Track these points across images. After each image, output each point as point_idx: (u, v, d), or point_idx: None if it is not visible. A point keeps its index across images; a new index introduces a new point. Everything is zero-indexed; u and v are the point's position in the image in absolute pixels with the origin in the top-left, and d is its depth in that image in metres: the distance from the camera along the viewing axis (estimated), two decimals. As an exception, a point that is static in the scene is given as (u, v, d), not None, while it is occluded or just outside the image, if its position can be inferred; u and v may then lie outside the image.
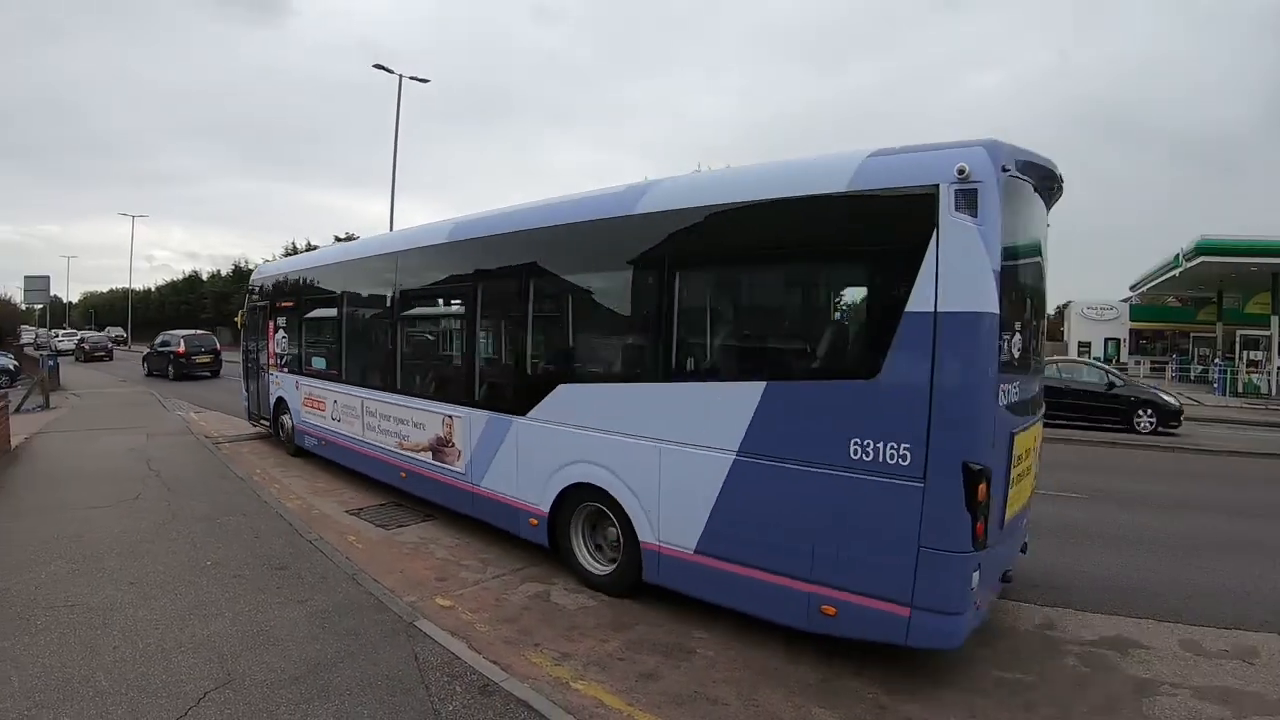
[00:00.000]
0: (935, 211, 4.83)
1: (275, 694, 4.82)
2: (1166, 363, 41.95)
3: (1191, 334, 46.34)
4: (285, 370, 13.94)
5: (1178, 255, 32.63)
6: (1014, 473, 5.37)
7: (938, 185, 4.84)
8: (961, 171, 4.77)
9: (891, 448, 4.98)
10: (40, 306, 29.10)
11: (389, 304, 10.47)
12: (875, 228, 5.26)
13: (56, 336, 34.99)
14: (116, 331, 61.70)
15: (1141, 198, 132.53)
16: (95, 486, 10.92)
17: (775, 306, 6.43)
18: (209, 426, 17.54)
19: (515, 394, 7.92)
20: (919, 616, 4.94)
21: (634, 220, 6.71)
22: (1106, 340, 51.26)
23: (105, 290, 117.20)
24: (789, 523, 5.50)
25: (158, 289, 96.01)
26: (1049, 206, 6.33)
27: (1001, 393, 5.05)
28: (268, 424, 15.07)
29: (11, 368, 31.66)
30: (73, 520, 9.06)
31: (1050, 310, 65.73)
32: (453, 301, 9.61)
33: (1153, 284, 41.47)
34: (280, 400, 14.21)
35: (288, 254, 55.66)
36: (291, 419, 13.66)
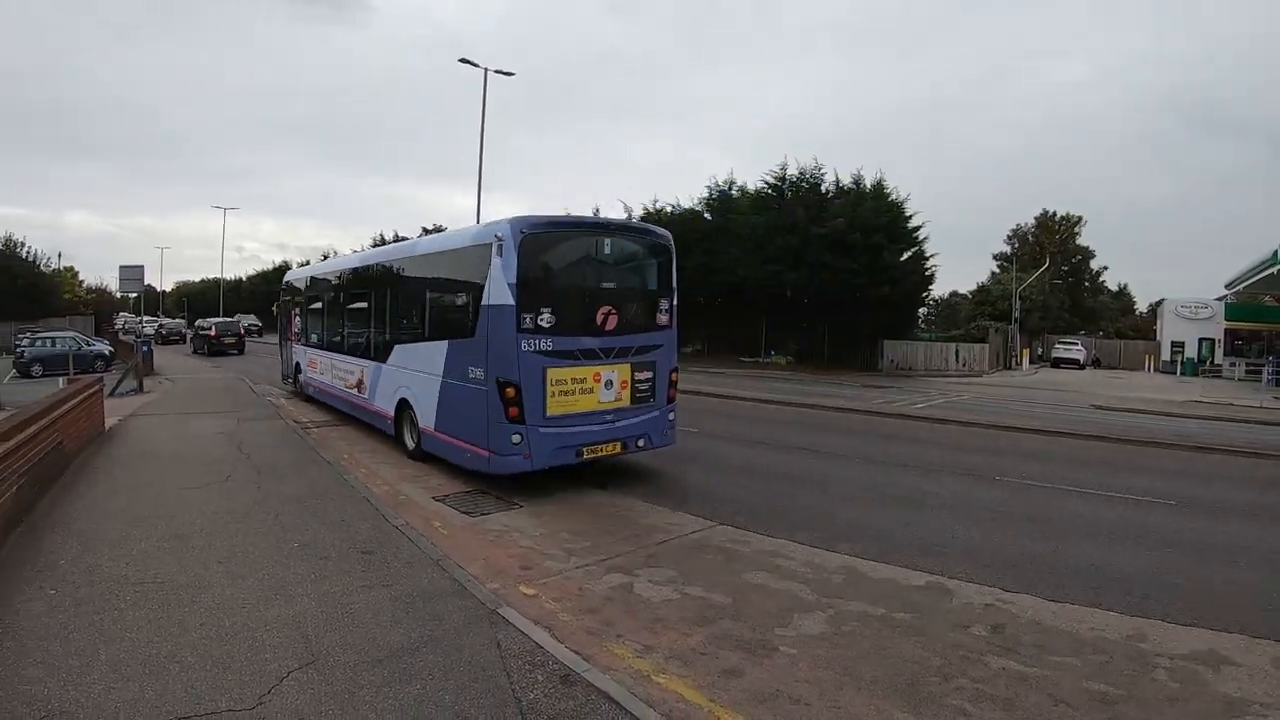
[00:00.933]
0: (490, 255, 9.69)
1: (357, 675, 4.83)
2: (1263, 364, 40.23)
3: (1290, 335, 44.40)
4: (299, 344, 20.79)
5: (1276, 252, 31.26)
6: (554, 389, 9.90)
7: (490, 243, 9.74)
8: (498, 236, 9.67)
9: (479, 370, 10.04)
10: (135, 295, 30.45)
11: (339, 301, 17.26)
12: (473, 264, 10.30)
13: (140, 323, 40.80)
14: (250, 320, 65.60)
15: (1240, 191, 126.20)
16: (187, 468, 11.20)
17: (450, 301, 11.72)
18: (298, 412, 17.96)
19: (383, 351, 13.87)
20: (493, 457, 9.79)
21: (410, 260, 13.48)
22: (1200, 341, 49.54)
23: (198, 280, 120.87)
24: (456, 411, 10.83)
25: (249, 278, 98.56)
26: (611, 238, 11.22)
27: (529, 344, 9.67)
28: (291, 381, 21.83)
29: (107, 353, 33.00)
30: (164, 500, 9.28)
31: (1143, 308, 64.46)
32: (361, 301, 15.58)
33: (1249, 282, 39.69)
34: (298, 364, 20.88)
35: (375, 245, 61.55)
36: (302, 375, 20.38)
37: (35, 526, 8.17)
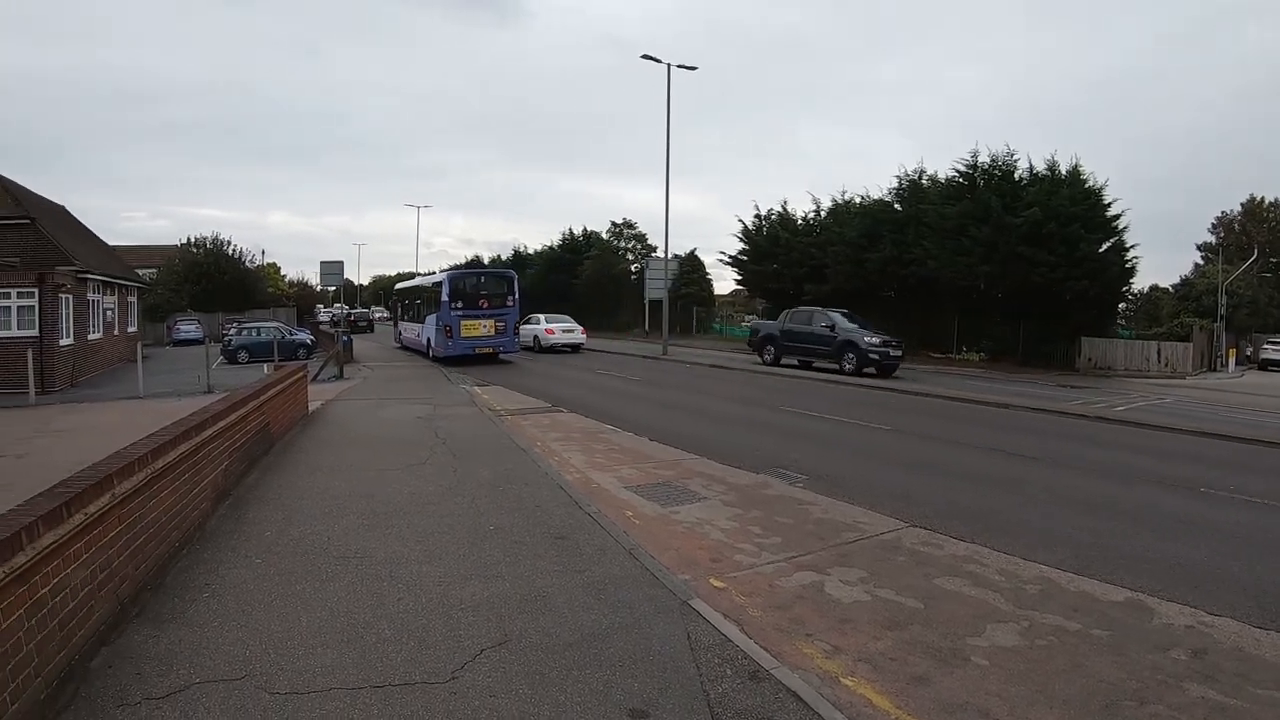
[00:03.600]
0: (440, 288, 30.07)
1: (548, 658, 4.92)
2: None
3: None
4: (401, 320, 41.82)
5: None
6: (464, 326, 29.21)
7: (443, 280, 30.25)
8: (444, 279, 30.52)
9: (440, 322, 29.73)
10: (334, 289, 33.54)
11: (420, 298, 35.82)
12: (439, 287, 30.23)
13: (318, 312, 61.60)
14: (383, 312, 74.45)
15: None
16: (385, 450, 11.78)
17: (435, 299, 30.71)
18: (492, 399, 18.64)
19: (422, 319, 33.89)
20: (442, 351, 29.75)
21: (427, 284, 34.52)
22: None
23: (393, 274, 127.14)
24: (435, 337, 30.71)
25: (469, 264, 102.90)
26: (501, 276, 32.28)
27: (455, 310, 29.14)
28: (397, 342, 41.13)
29: (309, 342, 35.30)
30: (364, 480, 9.79)
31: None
32: (418, 299, 36.45)
33: None
34: (399, 331, 41.28)
35: (564, 239, 71.22)
36: (401, 337, 40.27)
37: (243, 500, 8.78)
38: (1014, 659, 5.35)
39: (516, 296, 30.65)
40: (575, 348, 36.86)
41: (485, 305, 29.57)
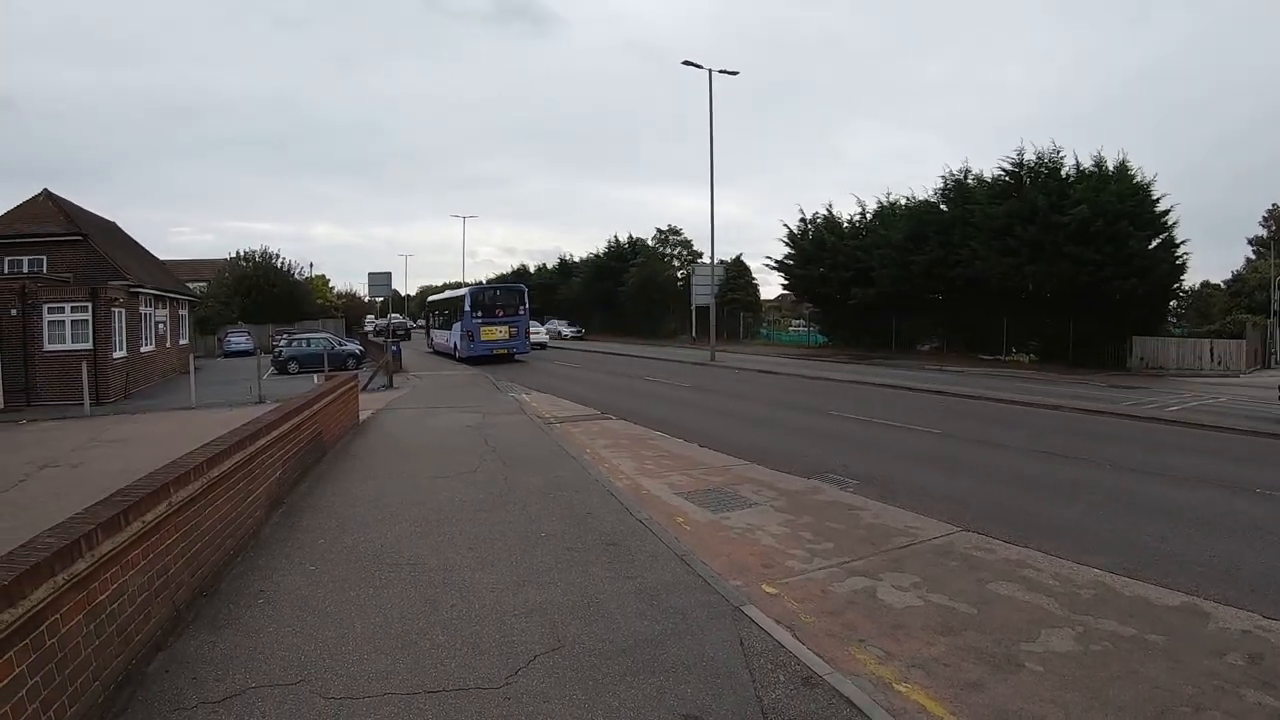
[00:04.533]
0: (463, 300, 37.78)
1: (601, 664, 4.95)
2: None
3: None
4: (432, 329, 50.53)
5: None
6: (483, 331, 36.28)
7: (465, 294, 38.37)
8: (465, 293, 38.72)
9: (463, 329, 36.92)
10: (381, 299, 34.60)
11: (447, 309, 44.34)
12: (460, 302, 38.65)
13: (364, 322, 64.26)
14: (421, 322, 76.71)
15: None
16: (436, 458, 11.91)
17: (459, 309, 38.40)
18: (541, 407, 18.76)
19: (449, 326, 41.43)
20: (464, 352, 36.68)
21: (453, 295, 44.23)
22: None
23: (439, 283, 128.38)
24: (459, 341, 37.75)
25: (488, 281, 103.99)
26: (513, 289, 41.16)
27: (475, 318, 36.30)
28: (428, 347, 49.37)
29: (358, 352, 35.80)
30: (416, 487, 9.92)
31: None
32: (447, 309, 44.34)
33: None
34: (431, 337, 49.73)
35: (610, 247, 72.86)
36: (432, 343, 48.68)
37: (296, 508, 8.94)
38: (1068, 665, 5.29)
39: (527, 306, 38.39)
40: (542, 345, 48.33)
41: (500, 314, 36.89)
